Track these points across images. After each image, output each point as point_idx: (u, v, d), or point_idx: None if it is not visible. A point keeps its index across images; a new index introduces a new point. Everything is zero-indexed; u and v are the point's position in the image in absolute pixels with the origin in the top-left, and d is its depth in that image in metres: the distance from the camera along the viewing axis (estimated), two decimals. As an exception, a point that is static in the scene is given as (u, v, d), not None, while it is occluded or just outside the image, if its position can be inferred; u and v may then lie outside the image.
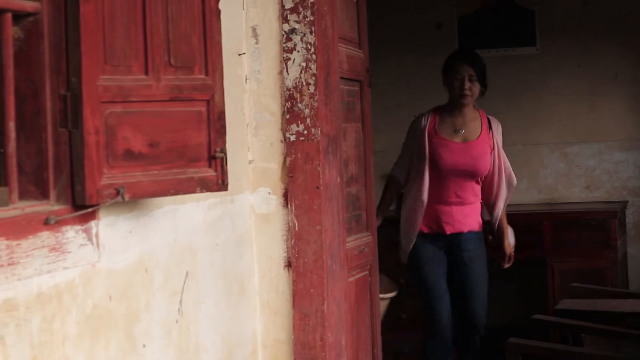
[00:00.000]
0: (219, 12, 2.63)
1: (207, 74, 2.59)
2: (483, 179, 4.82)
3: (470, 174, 4.77)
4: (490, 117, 4.89)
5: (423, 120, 4.83)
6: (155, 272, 2.65)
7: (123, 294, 2.49)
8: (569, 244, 5.98)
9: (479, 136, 4.80)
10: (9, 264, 2.04)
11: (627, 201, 6.46)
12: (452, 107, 4.85)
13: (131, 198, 2.33)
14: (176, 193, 2.51)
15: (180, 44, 2.50)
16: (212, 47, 2.61)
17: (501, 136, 4.91)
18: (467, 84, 4.69)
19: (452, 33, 6.36)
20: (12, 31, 2.17)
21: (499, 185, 4.85)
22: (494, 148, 4.81)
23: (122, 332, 2.48)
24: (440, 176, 4.75)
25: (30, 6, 2.19)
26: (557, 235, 6.00)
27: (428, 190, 4.74)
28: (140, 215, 2.58)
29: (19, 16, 2.19)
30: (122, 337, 2.48)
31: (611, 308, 5.00)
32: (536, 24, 6.60)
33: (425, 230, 4.81)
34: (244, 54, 3.29)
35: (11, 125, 2.16)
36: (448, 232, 4.80)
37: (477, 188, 4.84)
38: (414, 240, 4.82)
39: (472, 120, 4.84)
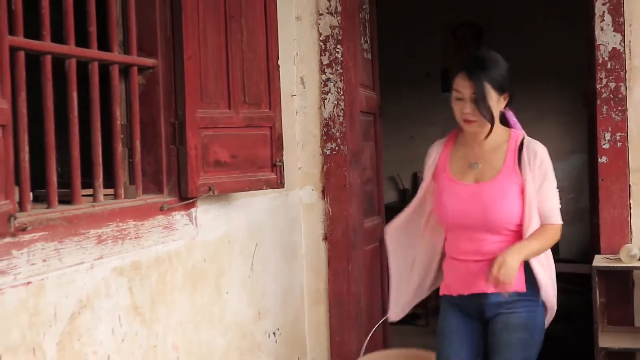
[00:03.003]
0: (278, 67, 2.62)
1: (270, 108, 2.58)
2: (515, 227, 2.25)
3: (485, 227, 2.23)
4: (526, 140, 2.38)
5: (434, 152, 2.38)
6: (235, 243, 2.64)
7: (213, 257, 2.49)
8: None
9: (499, 172, 2.26)
10: (135, 237, 2.04)
11: (557, 195, 6.38)
12: (465, 133, 2.32)
13: (219, 193, 2.33)
14: (249, 189, 2.50)
15: (252, 88, 2.49)
16: (274, 91, 2.60)
17: (545, 168, 2.34)
18: (468, 107, 2.21)
19: (437, 79, 6.27)
20: (137, 79, 2.18)
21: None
22: (525, 187, 2.25)
23: (212, 283, 2.48)
24: (451, 226, 2.31)
25: (150, 62, 2.19)
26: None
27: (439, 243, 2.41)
28: (225, 205, 2.57)
29: (142, 69, 2.19)
30: (212, 287, 2.48)
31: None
32: (495, 74, 6.51)
33: (445, 291, 2.36)
34: (295, 95, 3.27)
35: (137, 143, 2.16)
36: (466, 293, 2.28)
37: (507, 239, 2.24)
38: (401, 302, 2.47)
39: (494, 149, 2.31)
